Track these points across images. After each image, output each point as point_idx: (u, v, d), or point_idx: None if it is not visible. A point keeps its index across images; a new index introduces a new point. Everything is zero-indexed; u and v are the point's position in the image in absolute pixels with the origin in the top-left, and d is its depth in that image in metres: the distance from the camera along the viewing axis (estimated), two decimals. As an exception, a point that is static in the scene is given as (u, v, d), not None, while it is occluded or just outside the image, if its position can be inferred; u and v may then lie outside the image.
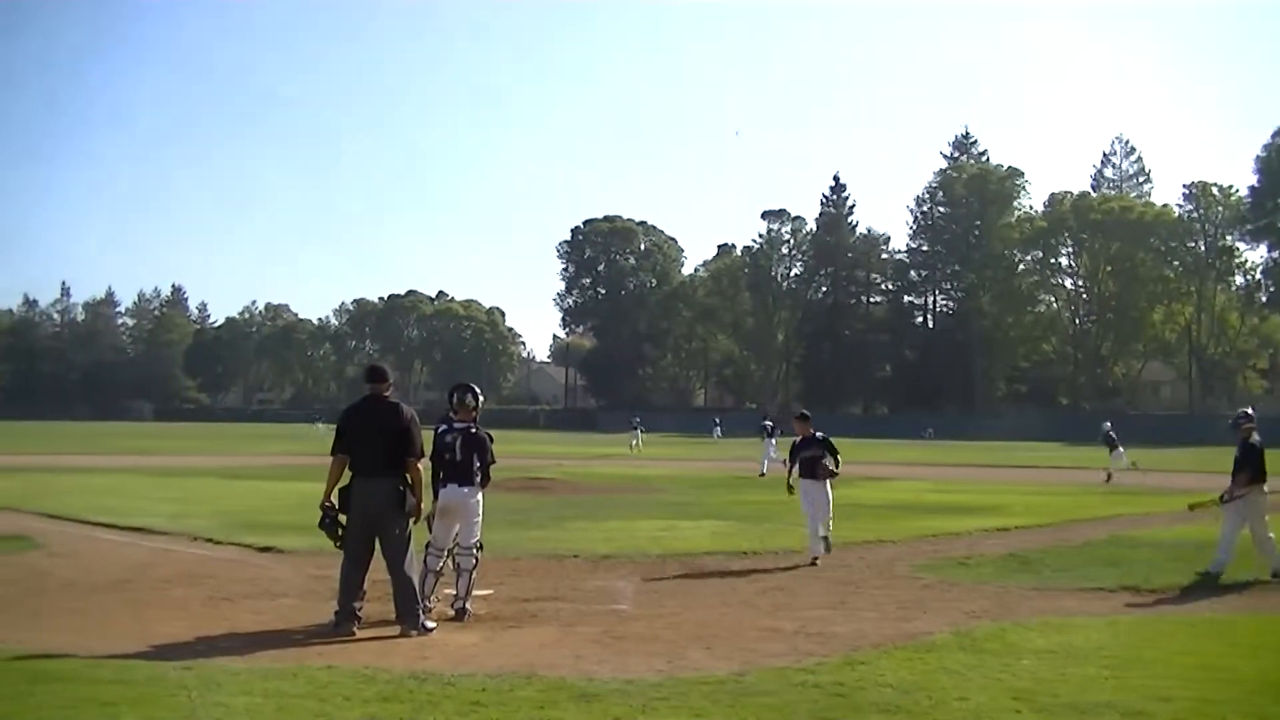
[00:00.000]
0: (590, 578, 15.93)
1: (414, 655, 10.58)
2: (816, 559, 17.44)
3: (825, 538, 17.91)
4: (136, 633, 11.50)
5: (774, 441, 45.81)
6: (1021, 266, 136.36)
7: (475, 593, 13.19)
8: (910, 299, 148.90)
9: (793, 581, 15.69)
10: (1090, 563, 17.53)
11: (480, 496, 12.91)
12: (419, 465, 12.06)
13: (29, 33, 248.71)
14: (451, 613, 12.64)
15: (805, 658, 10.44)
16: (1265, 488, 16.70)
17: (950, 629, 11.89)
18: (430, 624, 11.88)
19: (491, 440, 13.20)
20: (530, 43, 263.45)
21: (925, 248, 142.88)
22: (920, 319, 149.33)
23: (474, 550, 12.88)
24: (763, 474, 42.18)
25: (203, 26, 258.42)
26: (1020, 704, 8.76)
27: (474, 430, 12.89)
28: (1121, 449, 41.78)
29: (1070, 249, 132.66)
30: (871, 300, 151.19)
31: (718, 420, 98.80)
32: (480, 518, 12.95)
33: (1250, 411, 17.69)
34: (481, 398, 13.39)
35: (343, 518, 11.98)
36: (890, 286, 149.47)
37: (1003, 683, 9.43)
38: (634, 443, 70.96)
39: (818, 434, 18.56)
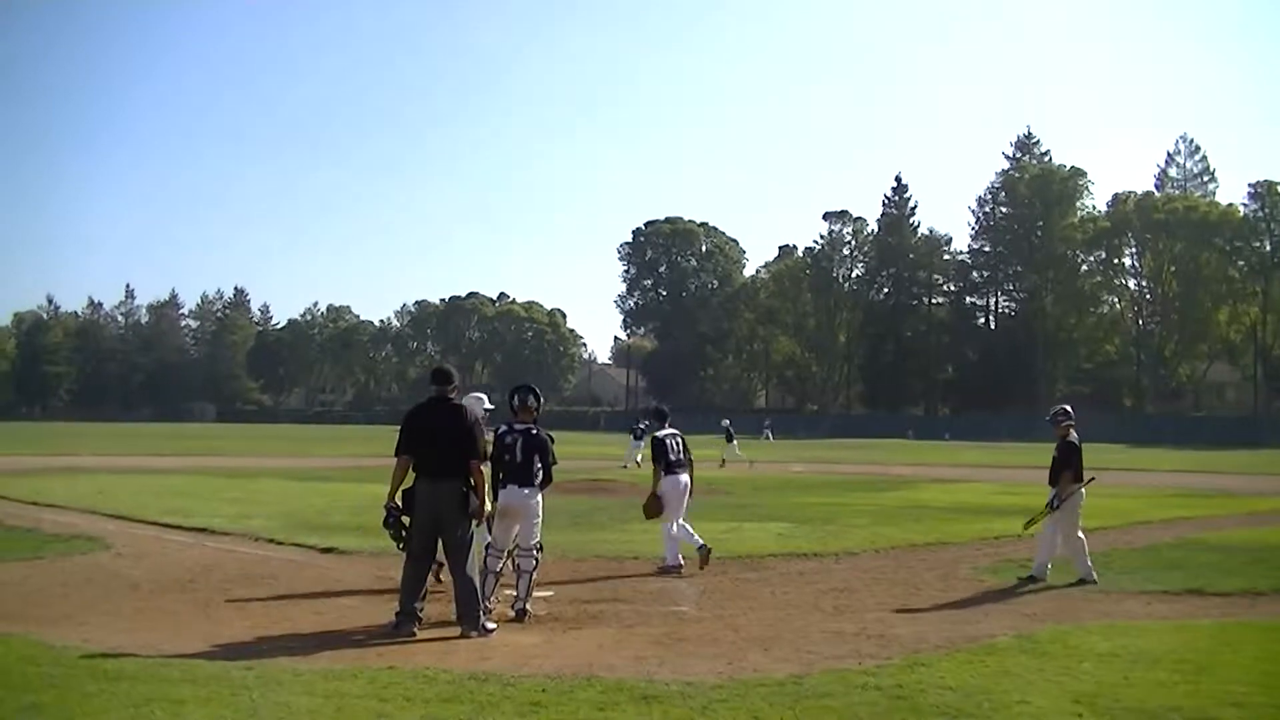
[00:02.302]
0: (651, 579, 15.92)
1: (474, 656, 10.58)
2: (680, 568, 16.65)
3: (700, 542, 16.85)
4: (201, 632, 11.58)
5: (735, 444, 51.99)
6: (1084, 267, 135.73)
7: (535, 594, 13.18)
8: (972, 300, 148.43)
9: (854, 583, 15.59)
10: (1155, 566, 17.33)
11: (540, 498, 12.95)
12: (481, 467, 12.07)
13: (88, 36, 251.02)
14: (512, 614, 12.66)
15: (866, 660, 10.38)
16: (1083, 489, 16.56)
17: (1012, 632, 11.80)
18: (491, 625, 11.88)
19: (552, 441, 13.21)
20: (593, 45, 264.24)
21: (987, 248, 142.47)
22: (982, 320, 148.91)
23: (534, 551, 12.91)
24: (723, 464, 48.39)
25: (264, 27, 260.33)
26: (1082, 708, 8.65)
27: (535, 431, 12.91)
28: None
29: (1134, 249, 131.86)
30: (933, 301, 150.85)
31: (768, 422, 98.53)
32: (540, 519, 12.97)
33: (1069, 409, 17.28)
34: (542, 399, 13.42)
35: (406, 519, 12.01)
36: (952, 287, 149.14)
37: (1065, 686, 9.32)
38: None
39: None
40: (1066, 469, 16.31)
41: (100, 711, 8.19)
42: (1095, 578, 15.72)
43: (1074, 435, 16.66)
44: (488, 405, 13.63)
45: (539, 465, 12.79)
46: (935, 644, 11.14)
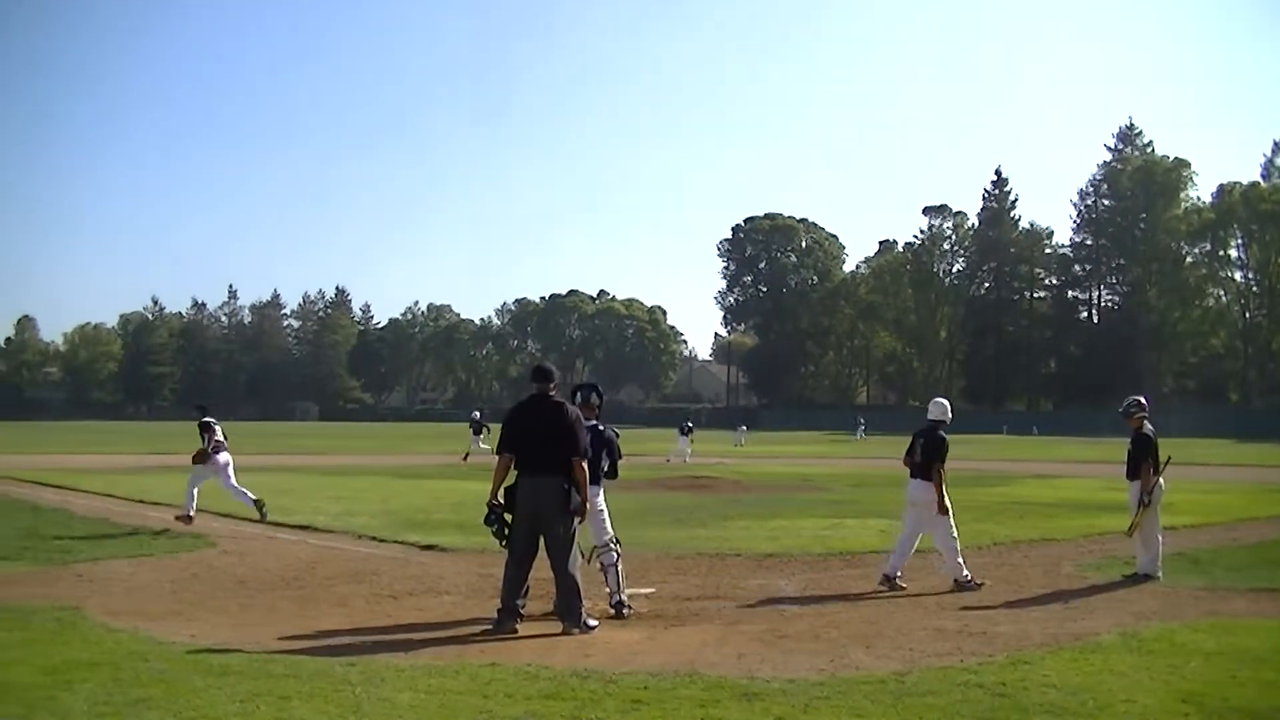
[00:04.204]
0: (753, 576, 15.86)
1: (576, 653, 10.59)
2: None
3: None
4: (305, 629, 11.71)
5: (688, 440, 52.78)
6: (1189, 259, 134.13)
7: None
8: (1074, 294, 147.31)
9: (957, 580, 15.49)
10: (1263, 563, 17.02)
11: (603, 494, 13.09)
12: (583, 464, 12.07)
13: (191, 41, 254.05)
14: (610, 610, 12.69)
15: (968, 657, 10.28)
16: (1162, 479, 16.22)
17: (1117, 630, 11.61)
18: (593, 622, 11.90)
19: (618, 437, 13.35)
20: (692, 43, 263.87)
21: (1089, 241, 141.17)
22: (1085, 314, 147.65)
23: (610, 545, 12.97)
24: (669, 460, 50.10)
25: (367, 23, 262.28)
26: (1189, 707, 8.51)
27: (601, 429, 13.00)
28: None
29: (1240, 241, 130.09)
30: (1035, 295, 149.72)
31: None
32: (604, 512, 13.04)
33: (1143, 400, 16.89)
34: (603, 396, 13.60)
35: (508, 516, 12.06)
36: (1054, 281, 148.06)
37: (1171, 685, 9.17)
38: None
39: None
40: (1145, 461, 16.08)
41: (207, 706, 8.27)
42: (1160, 575, 15.52)
43: (1148, 427, 16.40)
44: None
45: (606, 461, 12.90)
46: (1039, 641, 11.03)
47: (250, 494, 22.11)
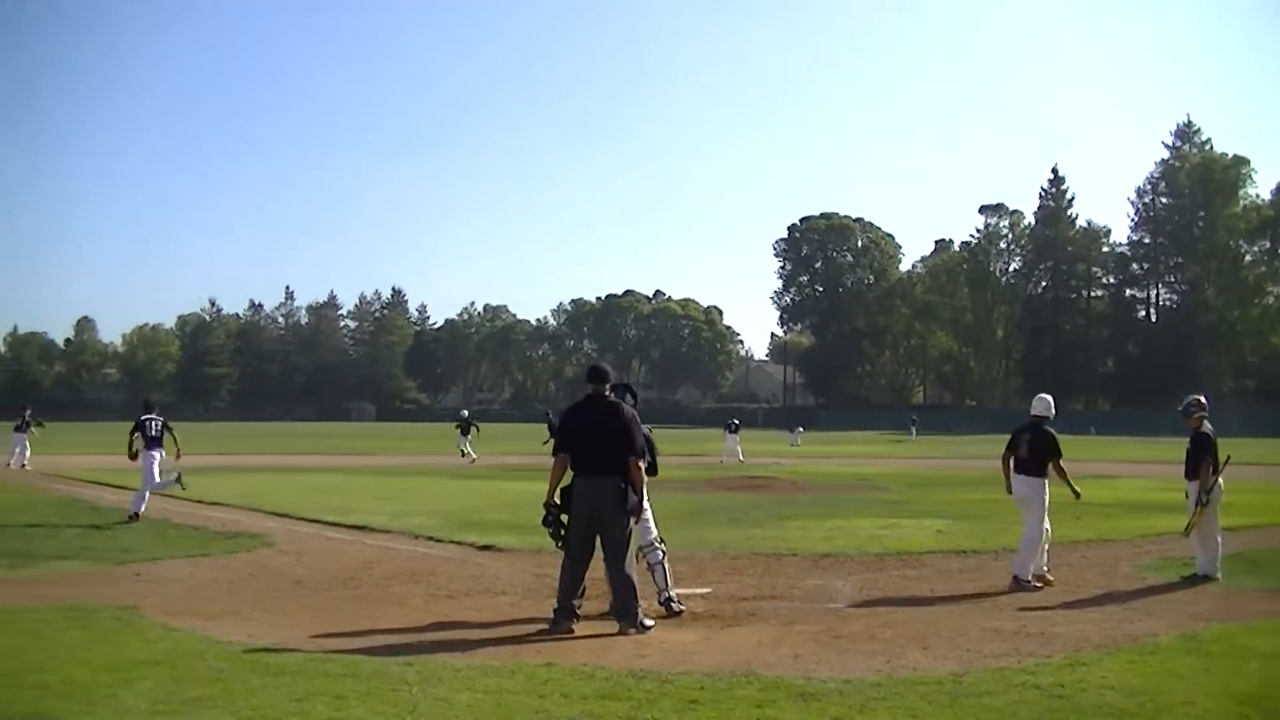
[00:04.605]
0: (809, 576, 15.82)
1: (632, 653, 10.59)
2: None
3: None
4: (362, 628, 11.76)
5: (736, 438, 52.25)
6: (1249, 257, 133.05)
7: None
8: (1132, 292, 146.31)
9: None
10: (1325, 564, 16.91)
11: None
12: (639, 464, 12.08)
13: (239, 43, 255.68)
14: (659, 607, 12.70)
15: (1025, 658, 10.23)
16: (1221, 479, 16.00)
17: (1175, 631, 11.52)
18: (649, 622, 11.88)
19: (650, 432, 13.32)
20: (746, 42, 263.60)
21: (1147, 240, 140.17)
22: (1142, 313, 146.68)
23: (655, 544, 13.00)
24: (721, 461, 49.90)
25: (419, 23, 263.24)
26: (1248, 709, 8.45)
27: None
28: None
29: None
30: (1092, 294, 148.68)
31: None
32: (649, 512, 12.99)
33: (1203, 399, 16.82)
34: (638, 396, 13.54)
35: (564, 516, 12.09)
36: (1111, 280, 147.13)
37: (1230, 687, 9.11)
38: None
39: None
40: (1205, 460, 15.94)
41: (264, 705, 8.32)
42: (1219, 576, 15.42)
43: (1208, 426, 16.26)
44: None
45: (646, 460, 12.80)
46: (1096, 642, 10.96)
47: (158, 481, 23.17)
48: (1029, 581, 14.95)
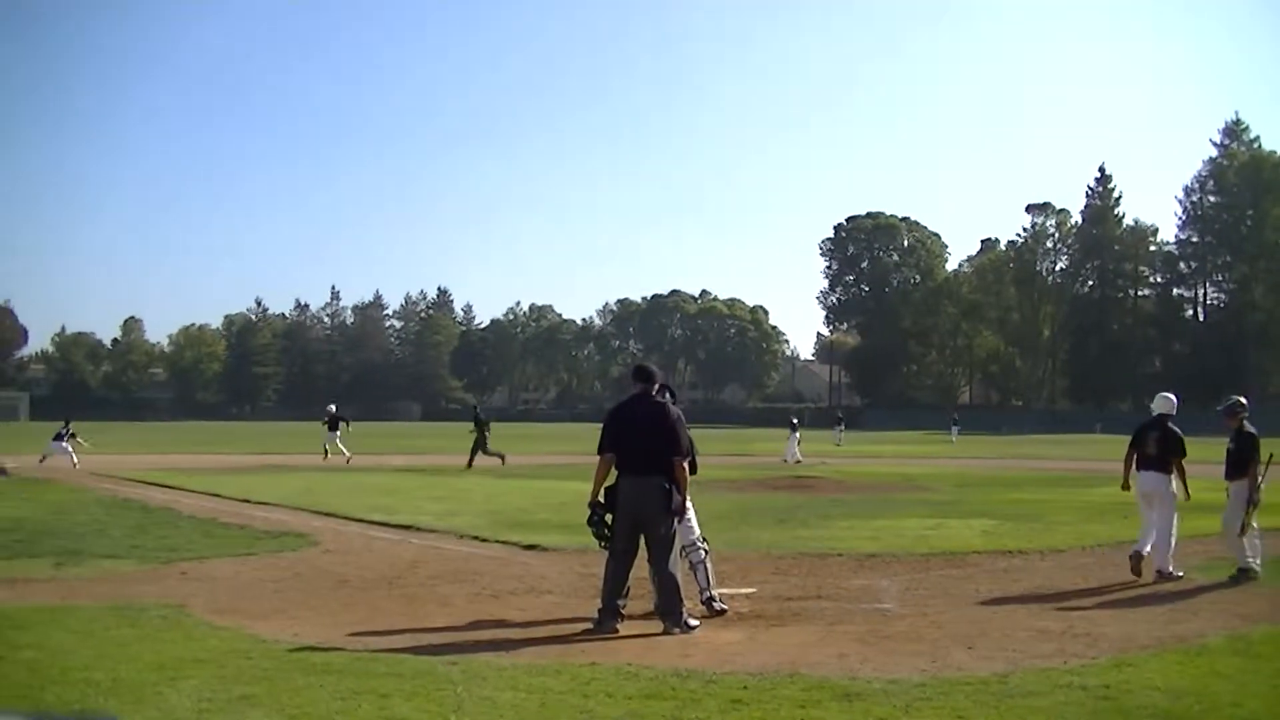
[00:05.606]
0: (854, 576, 15.76)
1: (677, 653, 10.58)
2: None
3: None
4: (407, 627, 11.79)
5: (797, 437, 51.74)
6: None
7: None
8: (1180, 292, 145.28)
9: (1060, 581, 15.32)
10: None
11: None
12: (684, 464, 12.09)
13: (291, 43, 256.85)
14: (702, 606, 12.67)
15: (1071, 659, 10.16)
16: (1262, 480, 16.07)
17: (1224, 632, 11.45)
18: (694, 622, 11.88)
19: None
20: (793, 42, 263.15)
21: (1195, 239, 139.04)
22: (1190, 312, 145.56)
23: (698, 544, 13.00)
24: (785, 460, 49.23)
25: (462, 25, 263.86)
26: (1298, 712, 8.40)
27: None
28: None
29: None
30: (1139, 294, 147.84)
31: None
32: (691, 511, 12.95)
33: (1245, 400, 16.98)
34: (675, 395, 13.46)
35: (609, 516, 12.10)
36: (1159, 279, 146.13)
37: (1279, 689, 9.06)
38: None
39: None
40: (1254, 458, 16.01)
41: (309, 704, 8.36)
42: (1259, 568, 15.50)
43: (1249, 426, 16.42)
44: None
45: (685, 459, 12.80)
46: (1143, 643, 10.89)
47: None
48: (1171, 572, 15.41)
